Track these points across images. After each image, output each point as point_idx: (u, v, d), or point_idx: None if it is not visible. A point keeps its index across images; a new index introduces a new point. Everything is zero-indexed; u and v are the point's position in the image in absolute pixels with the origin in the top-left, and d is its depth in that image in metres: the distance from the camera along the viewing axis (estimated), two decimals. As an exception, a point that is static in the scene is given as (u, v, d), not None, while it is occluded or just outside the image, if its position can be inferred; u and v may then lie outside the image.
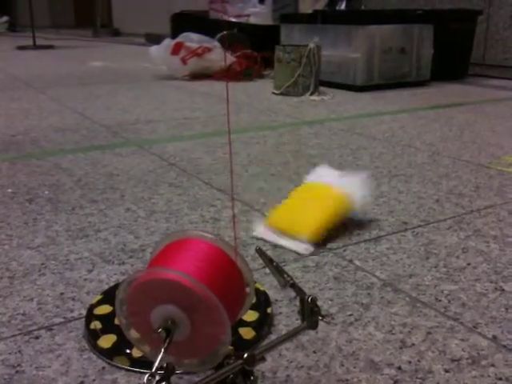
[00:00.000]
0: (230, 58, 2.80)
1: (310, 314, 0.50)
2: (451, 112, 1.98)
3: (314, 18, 2.76)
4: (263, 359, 0.47)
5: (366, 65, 2.44)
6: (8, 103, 2.13)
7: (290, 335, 0.49)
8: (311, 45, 2.31)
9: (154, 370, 0.42)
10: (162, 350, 0.43)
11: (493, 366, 0.58)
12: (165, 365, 0.42)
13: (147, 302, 0.44)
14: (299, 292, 0.50)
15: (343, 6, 3.39)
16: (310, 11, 3.18)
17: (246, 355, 0.45)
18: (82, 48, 5.15)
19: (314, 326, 0.50)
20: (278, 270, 0.50)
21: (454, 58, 2.77)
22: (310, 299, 0.49)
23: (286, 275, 0.50)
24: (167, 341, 0.43)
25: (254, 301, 0.67)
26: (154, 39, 3.95)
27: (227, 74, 2.77)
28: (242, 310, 0.50)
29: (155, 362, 0.42)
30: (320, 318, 0.50)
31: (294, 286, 0.50)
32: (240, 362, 0.45)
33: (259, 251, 0.50)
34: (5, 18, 8.48)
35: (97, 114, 1.91)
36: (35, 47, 4.91)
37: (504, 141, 1.54)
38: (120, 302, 0.46)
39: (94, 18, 7.44)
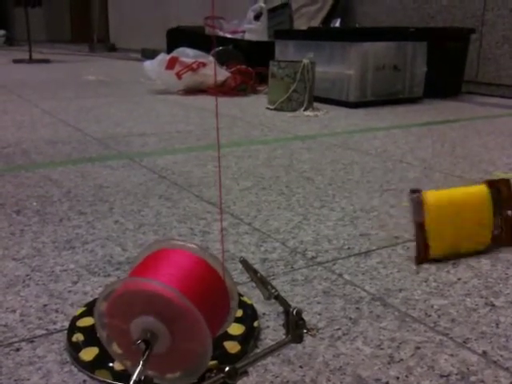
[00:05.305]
0: (225, 74, 2.81)
1: (295, 327, 0.48)
2: (444, 128, 1.98)
3: (309, 34, 2.78)
4: (246, 373, 0.46)
5: (359, 81, 2.45)
6: (0, 115, 2.13)
7: (274, 349, 0.47)
8: (305, 61, 2.32)
9: (131, 383, 0.41)
10: (141, 362, 0.42)
11: (482, 382, 0.57)
12: (142, 378, 0.40)
13: (126, 314, 0.43)
14: (284, 304, 0.49)
15: (337, 24, 3.42)
16: (304, 28, 3.21)
17: (227, 369, 0.44)
18: (77, 62, 5.16)
19: (298, 339, 0.49)
20: (262, 282, 0.49)
21: (447, 75, 2.79)
22: (294, 311, 0.48)
23: (270, 287, 0.49)
24: (146, 353, 0.42)
25: (239, 314, 0.66)
26: (150, 54, 3.97)
27: (220, 89, 2.77)
28: (226, 323, 0.49)
29: (133, 375, 0.41)
30: (305, 331, 0.49)
31: (278, 297, 0.49)
32: (221, 375, 0.44)
33: (243, 262, 0.49)
34: (2, 32, 8.51)
35: (89, 127, 1.91)
36: (31, 61, 4.92)
37: (496, 157, 1.54)
38: (99, 313, 0.45)
39: (90, 33, 7.48)
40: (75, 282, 0.78)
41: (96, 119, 2.07)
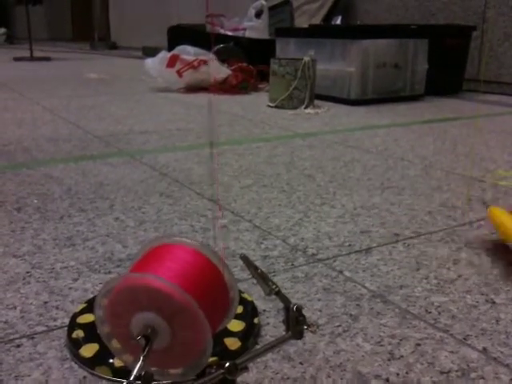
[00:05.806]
0: (226, 71, 2.81)
1: (295, 323, 0.48)
2: (445, 126, 1.98)
3: (310, 32, 2.78)
4: (246, 369, 0.46)
5: (360, 79, 2.44)
6: (1, 113, 2.13)
7: (274, 345, 0.47)
8: (306, 58, 2.31)
9: (131, 378, 0.41)
10: (141, 358, 0.42)
11: (482, 378, 0.57)
12: (142, 373, 0.40)
13: (127, 310, 0.43)
14: (284, 300, 0.49)
15: (338, 21, 3.42)
16: (305, 26, 3.21)
17: (227, 364, 0.44)
18: (78, 60, 5.16)
19: (298, 335, 0.49)
20: (263, 278, 0.49)
21: (448, 73, 2.78)
22: (295, 308, 0.48)
23: (270, 283, 0.49)
24: (146, 349, 0.42)
25: (240, 311, 0.66)
26: (151, 52, 3.97)
27: (222, 87, 2.77)
28: (226, 319, 0.49)
29: (133, 370, 0.41)
30: (305, 327, 0.49)
31: (278, 293, 0.49)
32: (221, 371, 0.44)
33: (244, 258, 0.49)
34: (3, 30, 8.51)
35: (90, 125, 1.91)
36: (32, 59, 4.91)
37: (497, 155, 1.54)
38: (99, 310, 0.45)
39: (91, 31, 7.47)
40: (76, 279, 0.78)
41: (97, 117, 2.07)
